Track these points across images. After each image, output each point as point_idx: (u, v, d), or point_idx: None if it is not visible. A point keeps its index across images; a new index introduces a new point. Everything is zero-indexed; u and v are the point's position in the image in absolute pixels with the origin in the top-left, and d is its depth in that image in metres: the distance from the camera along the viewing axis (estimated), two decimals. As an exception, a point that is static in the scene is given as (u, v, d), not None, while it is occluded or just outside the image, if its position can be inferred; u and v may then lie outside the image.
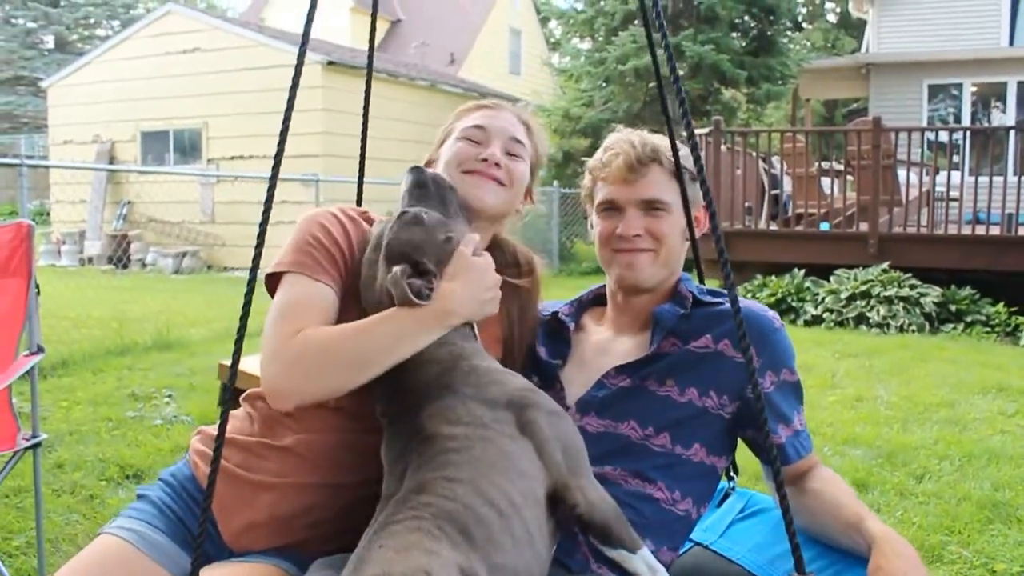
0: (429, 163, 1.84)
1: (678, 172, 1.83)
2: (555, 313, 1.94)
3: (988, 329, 8.62)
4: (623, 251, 1.83)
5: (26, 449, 2.86)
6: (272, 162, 1.44)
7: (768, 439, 1.46)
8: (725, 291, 1.83)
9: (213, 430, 1.65)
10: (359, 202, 2.19)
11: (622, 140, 1.86)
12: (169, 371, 6.27)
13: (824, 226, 10.46)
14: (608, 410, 1.73)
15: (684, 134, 1.61)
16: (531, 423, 1.49)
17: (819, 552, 1.70)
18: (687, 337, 1.76)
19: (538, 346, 1.88)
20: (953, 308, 8.90)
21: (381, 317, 1.54)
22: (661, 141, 1.85)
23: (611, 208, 1.85)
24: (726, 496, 1.99)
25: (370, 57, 2.17)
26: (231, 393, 1.34)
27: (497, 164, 1.77)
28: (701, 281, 1.99)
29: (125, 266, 15.16)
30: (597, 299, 2.01)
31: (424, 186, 1.66)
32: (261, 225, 1.39)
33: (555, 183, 15.82)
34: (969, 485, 3.98)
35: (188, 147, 16.79)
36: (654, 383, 1.73)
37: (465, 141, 1.79)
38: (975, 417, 5.24)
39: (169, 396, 5.47)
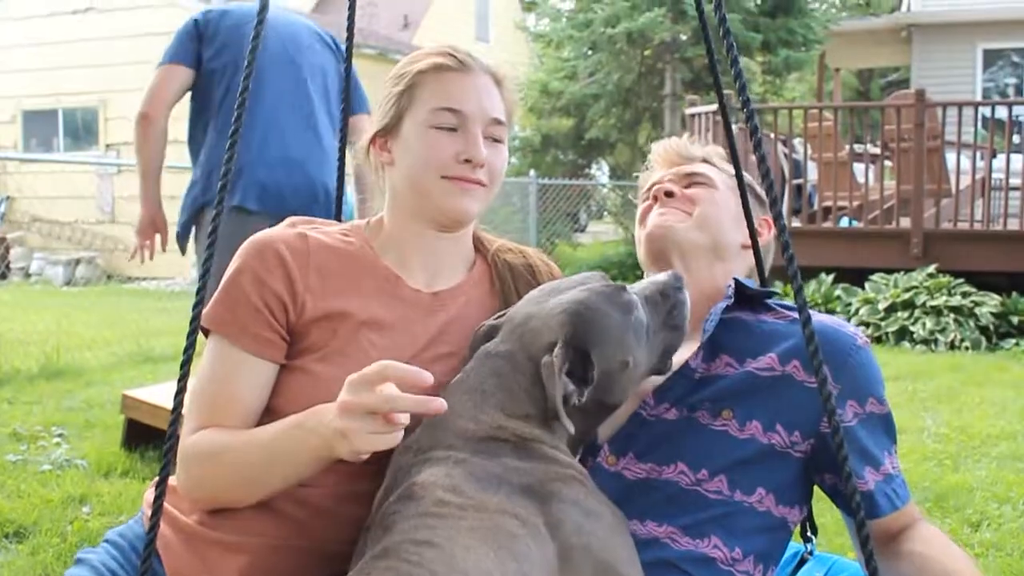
0: (383, 139, 1.79)
1: (736, 169, 1.89)
2: None
3: (1057, 345, 8.69)
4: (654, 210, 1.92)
5: None
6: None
7: (850, 483, 1.37)
8: (795, 305, 1.83)
9: (174, 482, 1.63)
10: (338, 200, 2.30)
11: (673, 138, 2.04)
12: (60, 404, 6.20)
13: (844, 222, 10.51)
14: (651, 450, 1.67)
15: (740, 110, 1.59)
16: (558, 522, 1.41)
17: None
18: (744, 355, 1.71)
19: None
20: (1015, 320, 8.98)
21: (283, 429, 1.53)
22: (715, 149, 2.03)
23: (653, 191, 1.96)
24: (802, 562, 1.90)
25: (349, 45, 2.16)
26: (172, 435, 1.32)
27: (481, 164, 1.71)
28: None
29: (3, 276, 15.01)
30: None
31: (667, 297, 1.64)
32: (208, 248, 1.34)
33: (532, 172, 15.80)
34: (1035, 534, 4.02)
35: (81, 130, 16.68)
36: (706, 415, 1.67)
37: (438, 132, 1.70)
38: (1042, 451, 5.29)
39: (60, 435, 5.41)
